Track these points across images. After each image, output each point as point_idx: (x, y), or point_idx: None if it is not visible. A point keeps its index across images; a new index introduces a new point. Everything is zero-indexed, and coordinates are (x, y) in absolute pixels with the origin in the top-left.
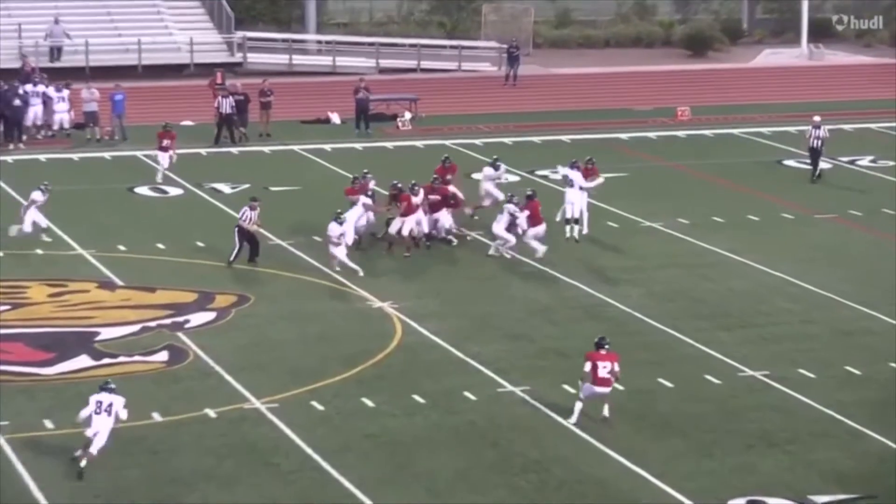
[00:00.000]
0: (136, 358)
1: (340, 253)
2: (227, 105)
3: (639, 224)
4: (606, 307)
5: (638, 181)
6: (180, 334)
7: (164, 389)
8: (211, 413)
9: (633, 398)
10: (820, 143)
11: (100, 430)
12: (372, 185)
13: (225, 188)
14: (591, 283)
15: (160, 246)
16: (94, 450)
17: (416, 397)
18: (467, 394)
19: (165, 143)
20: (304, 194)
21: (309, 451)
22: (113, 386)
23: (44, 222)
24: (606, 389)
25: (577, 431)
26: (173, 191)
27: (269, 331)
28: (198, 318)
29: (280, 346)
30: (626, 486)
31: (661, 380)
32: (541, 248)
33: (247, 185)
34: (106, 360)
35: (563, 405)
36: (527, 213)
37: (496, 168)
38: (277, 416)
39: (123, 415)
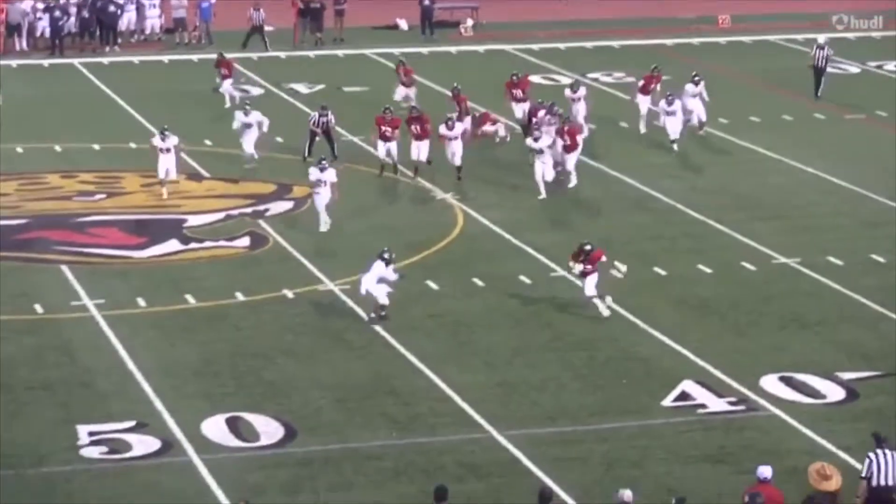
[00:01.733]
0: (221, 243)
1: (319, 201)
2: (258, 18)
3: None
4: (652, 200)
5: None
6: (261, 222)
7: (247, 272)
8: (289, 294)
9: (675, 282)
10: (824, 62)
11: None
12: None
13: (302, 88)
14: (638, 178)
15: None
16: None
17: (476, 281)
18: (523, 278)
19: (224, 71)
20: (374, 94)
21: (378, 328)
22: (387, 255)
23: (173, 173)
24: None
25: (624, 312)
26: (254, 90)
27: (342, 219)
28: (277, 207)
29: (352, 234)
30: (667, 362)
31: (701, 266)
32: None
33: (322, 86)
34: (193, 245)
35: (611, 289)
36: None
37: (696, 84)
38: (349, 297)
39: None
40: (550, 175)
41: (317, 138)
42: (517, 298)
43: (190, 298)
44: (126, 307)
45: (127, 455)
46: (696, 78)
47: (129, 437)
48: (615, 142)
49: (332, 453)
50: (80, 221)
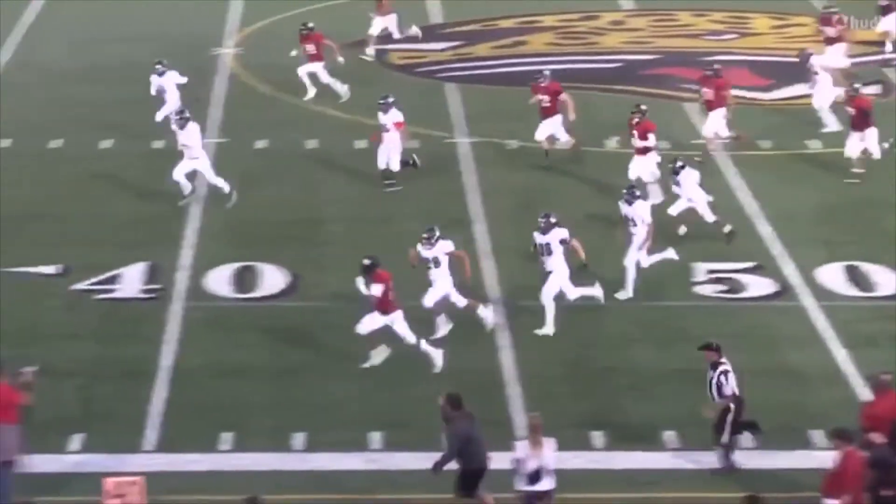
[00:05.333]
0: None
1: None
2: None
3: None
4: None
5: None
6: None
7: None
8: None
9: None
10: None
11: None
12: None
13: None
14: None
15: None
16: None
17: None
18: None
19: (309, 48)
20: None
21: None
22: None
23: None
24: None
25: None
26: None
27: None
28: None
29: None
30: None
31: None
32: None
33: None
34: None
35: None
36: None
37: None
38: None
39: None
40: None
41: None
42: None
43: (812, 143)
44: (751, 149)
45: (741, 295)
46: None
47: (746, 278)
48: None
49: None
50: (708, 60)
